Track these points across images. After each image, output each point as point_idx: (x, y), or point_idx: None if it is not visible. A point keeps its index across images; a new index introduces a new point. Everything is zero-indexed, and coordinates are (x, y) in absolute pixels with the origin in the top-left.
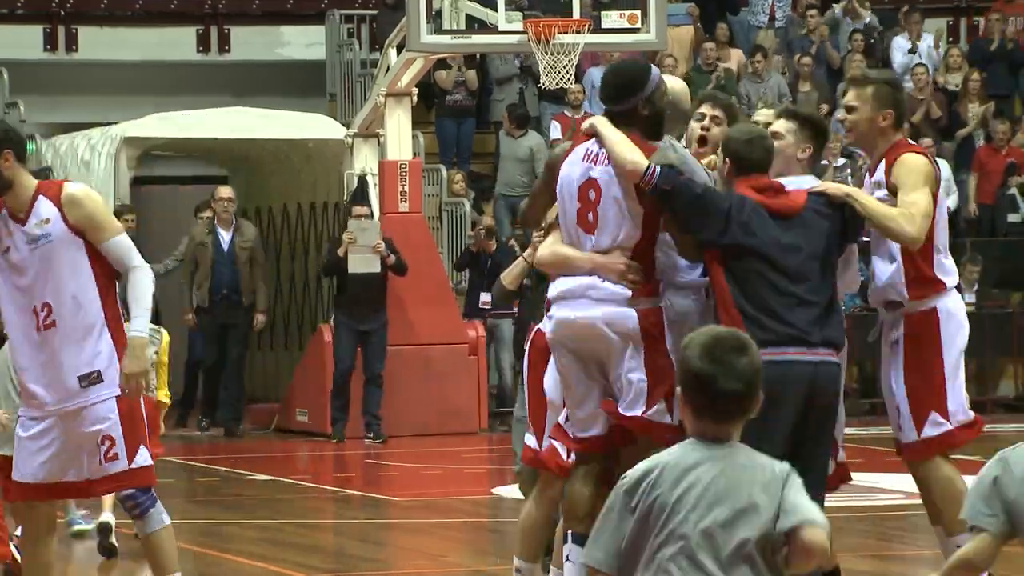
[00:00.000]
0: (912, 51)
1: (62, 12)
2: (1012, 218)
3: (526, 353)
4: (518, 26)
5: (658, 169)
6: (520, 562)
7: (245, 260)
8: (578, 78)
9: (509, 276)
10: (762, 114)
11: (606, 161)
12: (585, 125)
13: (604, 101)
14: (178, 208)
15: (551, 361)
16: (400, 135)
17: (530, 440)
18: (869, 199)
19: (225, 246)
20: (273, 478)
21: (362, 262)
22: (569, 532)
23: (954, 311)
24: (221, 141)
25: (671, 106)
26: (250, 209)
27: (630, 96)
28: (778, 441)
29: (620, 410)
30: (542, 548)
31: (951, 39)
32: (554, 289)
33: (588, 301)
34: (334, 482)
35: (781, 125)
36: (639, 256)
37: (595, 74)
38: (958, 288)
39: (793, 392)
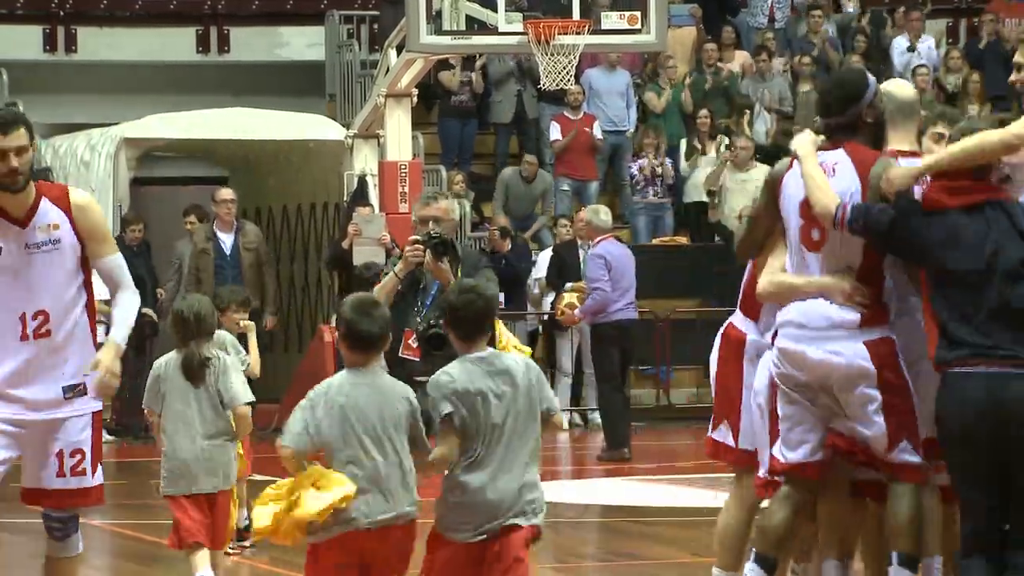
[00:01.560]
0: (911, 50)
1: (61, 12)
2: None
3: (716, 348)
4: (518, 27)
5: (848, 210)
6: (720, 572)
7: (251, 262)
8: (577, 79)
9: (381, 292)
10: None
11: (833, 171)
12: (793, 146)
13: (825, 115)
14: (178, 209)
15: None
16: (400, 136)
17: (720, 435)
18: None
19: (228, 249)
20: (272, 478)
21: (367, 254)
22: (754, 551)
23: None
24: (221, 142)
25: (898, 112)
26: (250, 210)
27: (852, 105)
28: None
29: (861, 436)
30: (741, 557)
31: (950, 40)
32: (781, 316)
33: (814, 331)
34: None
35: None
36: (866, 277)
37: (593, 75)
38: None
39: None
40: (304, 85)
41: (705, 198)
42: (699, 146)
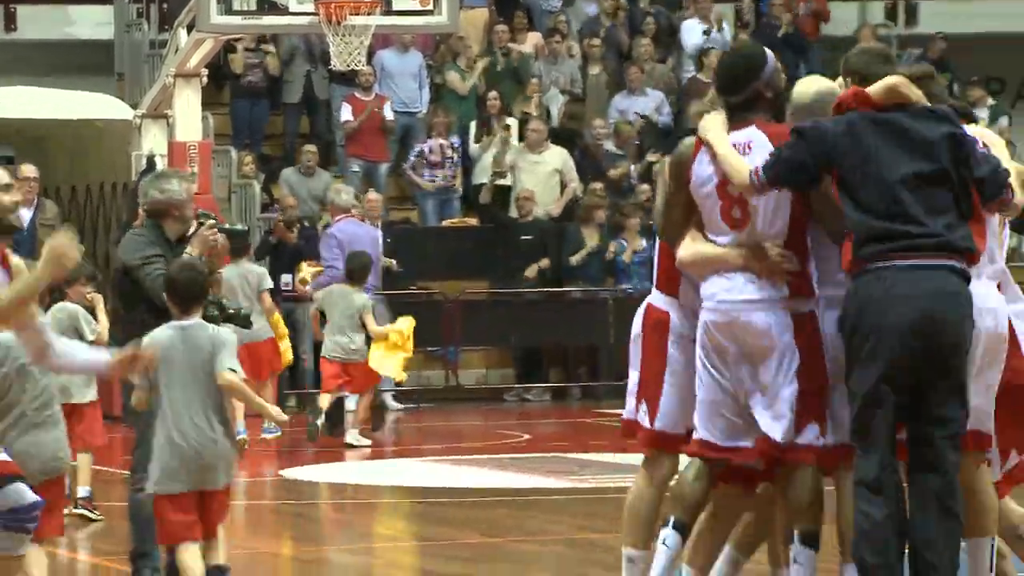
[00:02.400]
0: (707, 33)
1: None
2: None
3: (638, 327)
4: (309, 7)
5: (760, 171)
6: (630, 551)
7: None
8: (369, 60)
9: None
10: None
11: (748, 149)
12: (702, 128)
13: (728, 92)
14: None
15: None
16: (189, 116)
17: (636, 415)
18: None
19: (25, 223)
20: None
21: None
22: (672, 517)
23: None
24: (9, 121)
25: (817, 108)
26: (41, 190)
27: (754, 81)
28: None
29: (764, 429)
30: (651, 535)
31: (738, 23)
32: (706, 289)
33: (740, 303)
34: (122, 464)
35: None
36: (792, 249)
37: (385, 56)
38: None
39: None
40: (93, 64)
41: (496, 180)
42: (490, 127)
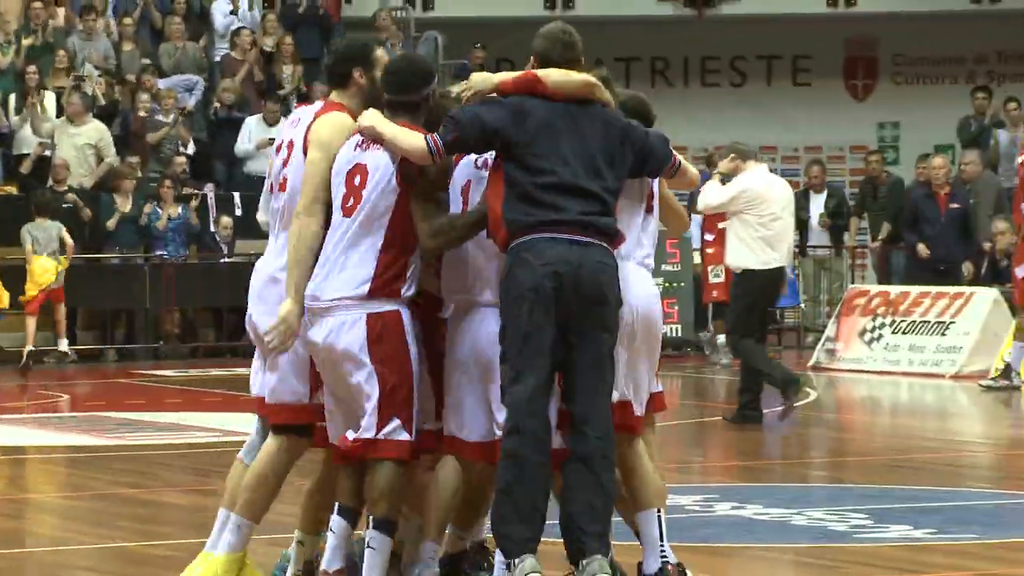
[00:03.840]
0: (234, 12)
1: None
2: None
3: None
4: None
5: (436, 137)
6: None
7: None
8: None
9: None
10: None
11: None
12: (364, 121)
13: (398, 92)
14: None
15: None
16: None
17: None
18: None
19: None
20: None
21: None
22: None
23: None
24: None
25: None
26: None
27: (424, 88)
28: None
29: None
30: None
31: (265, 3)
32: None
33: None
34: None
35: None
36: (391, 246)
37: None
38: None
39: None
40: None
41: (43, 152)
42: (29, 100)
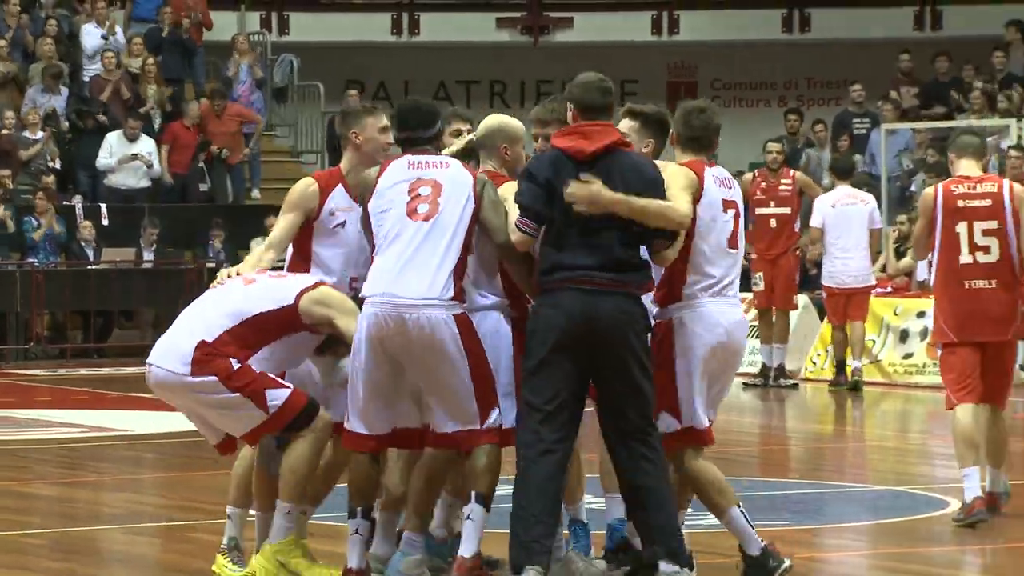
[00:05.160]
0: (105, 38)
1: None
2: (202, 187)
3: None
4: None
5: (520, 221)
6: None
7: None
8: None
9: None
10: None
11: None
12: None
13: (424, 127)
14: None
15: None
16: None
17: None
18: None
19: None
20: None
21: None
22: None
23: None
24: None
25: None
26: None
27: (435, 126)
28: None
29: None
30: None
31: (129, 28)
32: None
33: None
34: None
35: (624, 125)
36: None
37: None
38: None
39: None
40: None
41: None
42: None
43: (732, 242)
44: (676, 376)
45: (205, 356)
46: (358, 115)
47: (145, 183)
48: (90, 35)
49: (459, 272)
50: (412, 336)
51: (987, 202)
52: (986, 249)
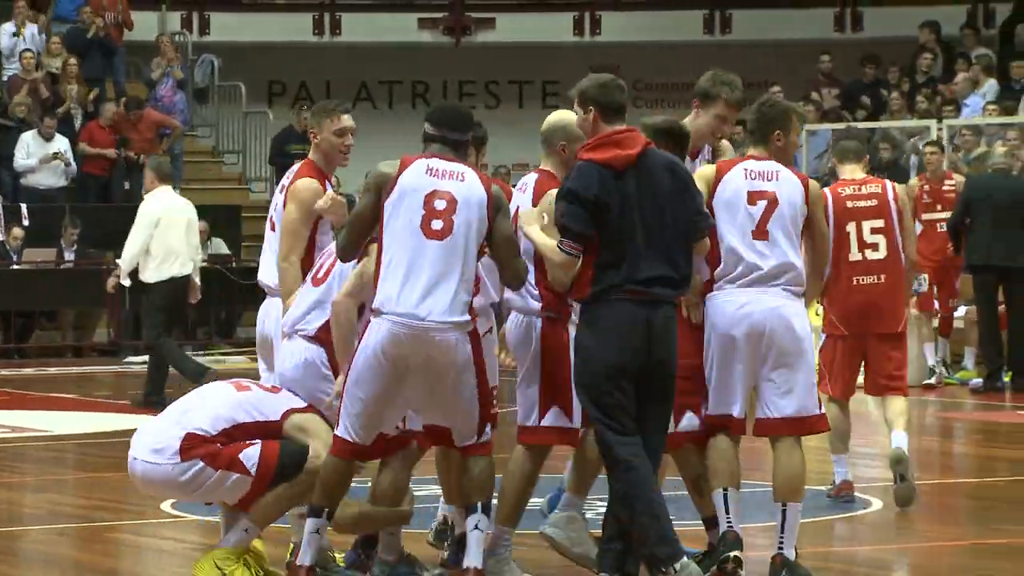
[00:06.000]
0: (17, 35)
1: None
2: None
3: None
4: None
5: (565, 244)
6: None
7: None
8: None
9: None
10: None
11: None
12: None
13: (454, 130)
14: None
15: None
16: None
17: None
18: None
19: None
20: None
21: None
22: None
23: None
24: None
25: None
26: None
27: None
28: None
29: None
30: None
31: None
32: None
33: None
34: None
35: None
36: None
37: None
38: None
39: None
40: None
41: None
42: None
43: (759, 232)
44: (704, 363)
45: (189, 445)
46: (317, 114)
47: (63, 182)
48: (7, 35)
49: (471, 290)
50: (431, 357)
51: (873, 202)
52: (874, 246)
